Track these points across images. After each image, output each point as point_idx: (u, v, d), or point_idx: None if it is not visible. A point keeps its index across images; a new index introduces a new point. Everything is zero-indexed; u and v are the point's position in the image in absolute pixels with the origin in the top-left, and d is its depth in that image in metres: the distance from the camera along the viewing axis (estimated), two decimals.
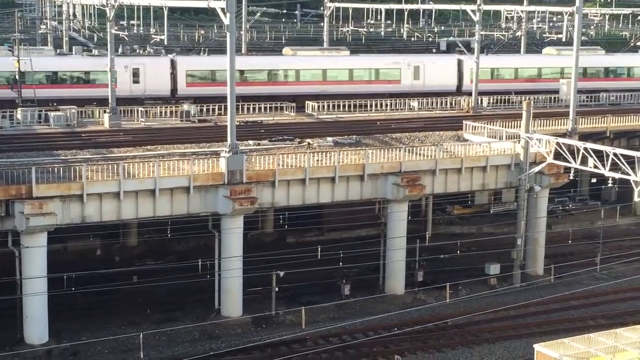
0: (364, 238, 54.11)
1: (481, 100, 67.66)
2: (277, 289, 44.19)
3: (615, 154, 41.42)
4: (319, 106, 63.51)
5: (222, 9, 41.75)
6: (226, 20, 41.56)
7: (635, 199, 44.99)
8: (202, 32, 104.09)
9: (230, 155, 42.46)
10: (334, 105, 63.79)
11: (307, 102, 64.65)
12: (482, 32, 72.53)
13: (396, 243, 47.23)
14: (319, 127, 58.06)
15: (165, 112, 59.76)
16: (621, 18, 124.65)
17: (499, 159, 50.33)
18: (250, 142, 50.53)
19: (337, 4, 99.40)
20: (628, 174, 41.08)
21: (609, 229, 59.06)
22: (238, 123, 48.10)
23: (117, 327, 41.83)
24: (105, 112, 56.16)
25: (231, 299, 43.48)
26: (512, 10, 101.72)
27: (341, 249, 47.93)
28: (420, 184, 47.10)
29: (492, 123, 54.53)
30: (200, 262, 43.85)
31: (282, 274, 44.02)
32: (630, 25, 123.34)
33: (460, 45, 76.15)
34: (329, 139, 52.53)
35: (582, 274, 50.57)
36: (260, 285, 44.60)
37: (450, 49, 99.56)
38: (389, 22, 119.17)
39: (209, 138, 51.11)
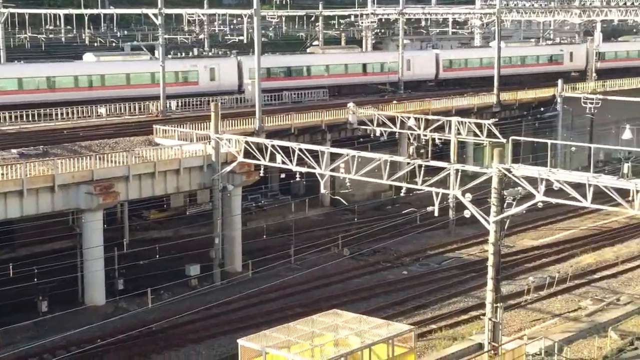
0: (59, 251, 52.22)
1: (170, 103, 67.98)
2: None
3: (300, 150, 43.44)
4: None
5: None
6: None
7: (322, 190, 47.54)
8: None
9: None
10: (16, 116, 60.92)
11: None
12: (166, 36, 72.71)
13: (93, 253, 46.24)
14: (1, 139, 55.21)
15: None
16: (296, 19, 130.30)
17: (192, 161, 50.88)
18: None
19: (12, 10, 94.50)
20: (313, 168, 43.27)
21: (299, 221, 61.83)
22: None
23: None
24: None
25: None
26: (193, 14, 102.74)
27: (35, 264, 46.03)
28: (114, 191, 46.45)
29: (182, 126, 54.98)
30: None
31: None
32: (305, 27, 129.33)
33: (144, 48, 75.83)
34: (14, 150, 50.23)
35: (279, 267, 52.34)
36: None
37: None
38: (69, 27, 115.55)
39: None
